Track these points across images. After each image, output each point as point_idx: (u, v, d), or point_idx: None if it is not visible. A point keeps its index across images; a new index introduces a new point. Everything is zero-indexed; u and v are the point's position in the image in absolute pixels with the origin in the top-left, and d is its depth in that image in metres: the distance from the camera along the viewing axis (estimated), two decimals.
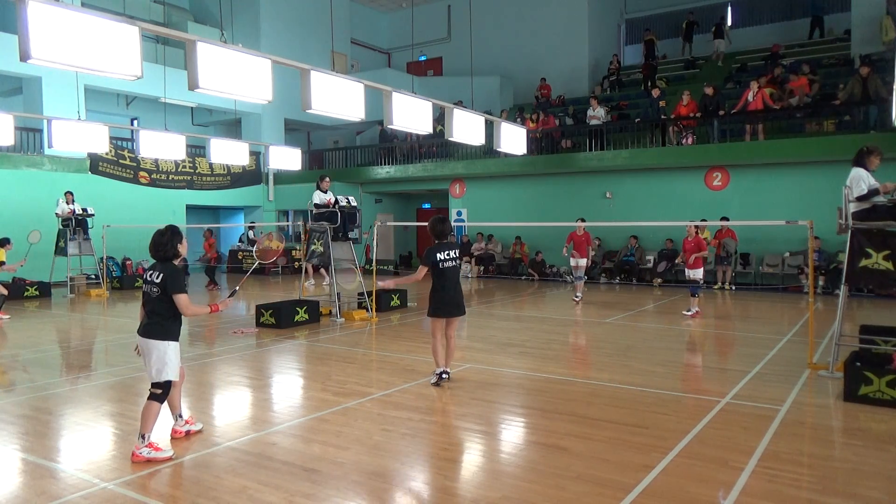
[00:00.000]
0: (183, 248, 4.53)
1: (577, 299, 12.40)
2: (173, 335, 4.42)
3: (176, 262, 4.52)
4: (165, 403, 4.47)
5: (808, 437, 4.89)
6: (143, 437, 4.31)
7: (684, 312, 10.85)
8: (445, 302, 6.13)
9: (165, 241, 4.41)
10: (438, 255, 6.07)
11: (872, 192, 6.21)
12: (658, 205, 16.60)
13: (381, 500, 3.80)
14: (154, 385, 4.36)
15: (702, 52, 22.30)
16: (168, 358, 4.36)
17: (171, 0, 22.23)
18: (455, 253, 6.20)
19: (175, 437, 4.73)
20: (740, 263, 15.36)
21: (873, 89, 13.63)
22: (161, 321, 4.37)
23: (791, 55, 19.49)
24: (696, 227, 11.28)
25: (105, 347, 8.96)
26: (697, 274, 10.97)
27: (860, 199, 6.26)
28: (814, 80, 15.73)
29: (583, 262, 12.70)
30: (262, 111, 22.38)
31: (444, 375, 6.26)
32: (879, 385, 5.48)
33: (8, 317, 11.13)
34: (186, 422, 4.85)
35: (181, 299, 4.32)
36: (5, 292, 11.42)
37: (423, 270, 6.23)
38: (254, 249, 15.80)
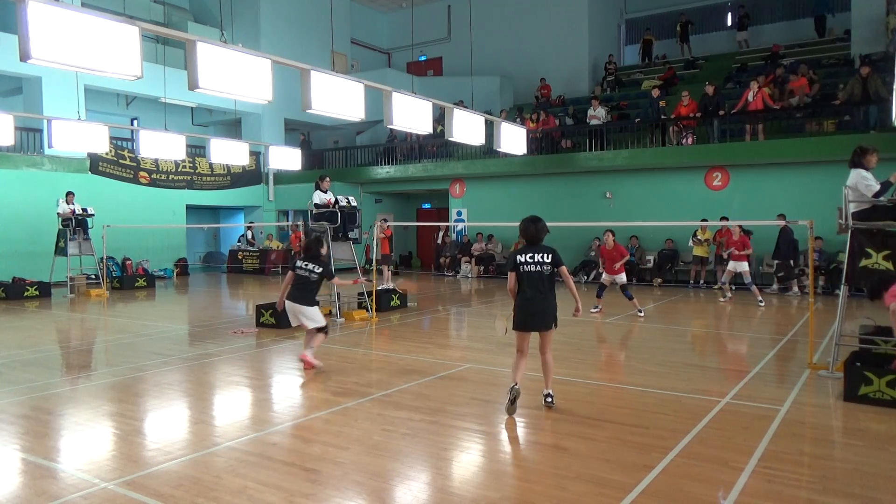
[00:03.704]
0: (324, 250, 7.23)
1: (640, 314, 10.77)
2: (317, 302, 7.12)
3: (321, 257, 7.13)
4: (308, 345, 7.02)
5: (808, 437, 4.89)
6: (310, 348, 7.00)
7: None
8: (526, 312, 5.35)
9: (314, 245, 7.11)
10: (519, 257, 5.34)
11: (886, 186, 6.20)
12: (658, 205, 16.60)
13: (381, 500, 3.80)
14: (318, 329, 7.01)
15: (702, 51, 22.33)
16: (317, 314, 7.00)
17: (171, 0, 22.23)
18: (543, 257, 5.29)
19: (304, 362, 6.93)
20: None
21: (873, 89, 13.63)
22: (313, 295, 7.01)
23: (791, 55, 19.49)
24: (740, 226, 12.33)
25: (105, 347, 8.96)
26: (743, 266, 12.21)
27: (876, 195, 6.24)
28: (814, 80, 15.73)
29: (621, 277, 11.01)
30: (262, 111, 22.38)
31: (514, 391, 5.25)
32: (879, 385, 5.48)
33: None
34: (307, 359, 6.95)
35: (334, 279, 7.29)
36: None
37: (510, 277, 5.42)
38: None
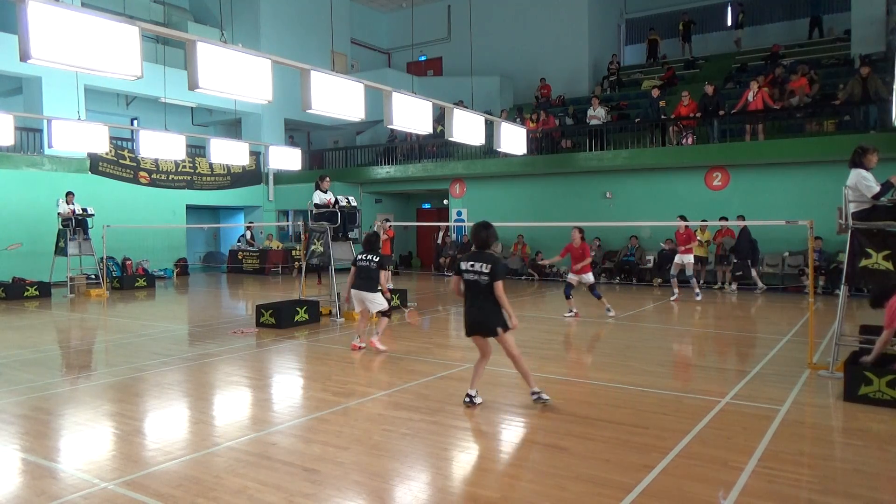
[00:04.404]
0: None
1: (609, 314, 10.68)
2: (379, 289, 7.87)
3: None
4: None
5: (808, 437, 4.89)
6: (378, 333, 7.95)
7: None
8: (467, 319, 5.46)
9: (374, 239, 8.07)
10: (462, 264, 5.40)
11: (886, 186, 6.20)
12: (658, 205, 16.58)
13: (381, 500, 3.80)
14: (381, 313, 7.94)
15: (702, 51, 22.33)
16: (380, 298, 7.87)
17: (171, 0, 22.23)
18: (482, 267, 5.28)
19: (353, 349, 7.88)
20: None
21: (873, 89, 13.63)
22: (375, 283, 7.81)
23: (791, 55, 19.49)
24: (682, 217, 12.77)
25: (105, 347, 8.96)
26: (688, 259, 12.61)
27: (876, 196, 6.23)
28: (814, 80, 15.73)
29: (587, 278, 10.81)
30: (262, 111, 22.37)
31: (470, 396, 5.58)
32: (879, 385, 5.48)
33: None
34: (359, 345, 7.93)
35: (383, 276, 7.98)
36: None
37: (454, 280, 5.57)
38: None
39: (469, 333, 5.50)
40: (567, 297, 10.84)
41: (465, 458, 4.50)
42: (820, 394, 5.94)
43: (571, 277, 10.94)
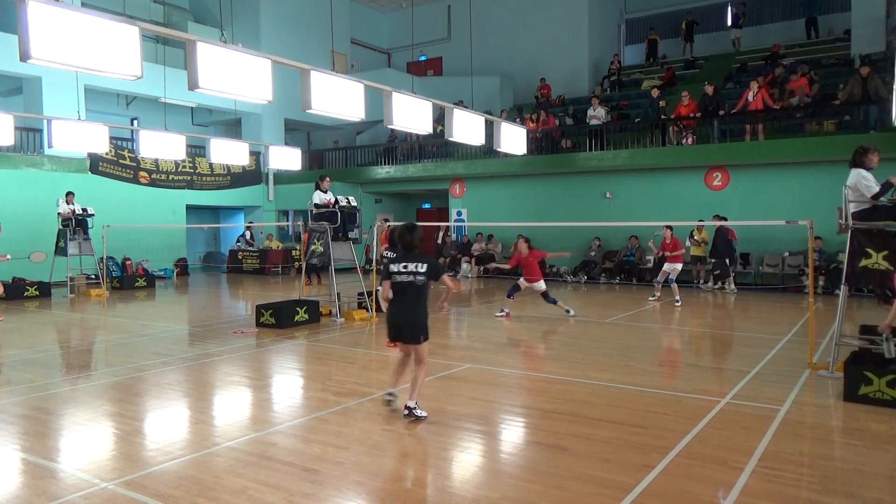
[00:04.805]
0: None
1: (569, 314, 10.72)
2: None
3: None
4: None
5: (808, 437, 4.89)
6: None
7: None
8: (393, 324, 5.23)
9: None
10: (392, 266, 5.17)
11: (886, 187, 6.20)
12: (658, 205, 16.59)
13: (381, 500, 3.80)
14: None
15: (702, 51, 22.32)
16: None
17: (171, 0, 22.23)
18: (417, 267, 5.09)
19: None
20: (740, 263, 15.36)
21: (873, 89, 13.63)
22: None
23: (791, 55, 19.49)
24: (668, 227, 12.50)
25: (105, 347, 8.96)
26: (675, 267, 12.28)
27: (875, 196, 6.23)
28: (814, 80, 15.73)
29: (539, 285, 10.77)
30: (262, 111, 22.37)
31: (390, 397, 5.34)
32: (879, 385, 5.48)
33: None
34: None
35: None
36: (2, 294, 11.42)
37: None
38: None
39: (393, 338, 5.21)
40: (509, 296, 10.95)
41: (464, 458, 4.50)
42: (820, 394, 5.94)
43: (522, 282, 10.96)
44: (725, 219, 14.20)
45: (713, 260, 14.69)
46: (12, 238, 15.96)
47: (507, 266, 11.78)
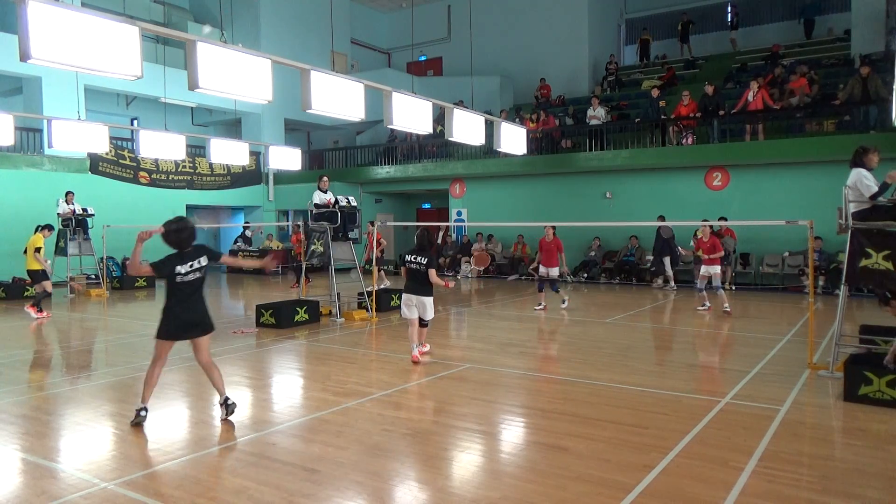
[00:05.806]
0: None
1: (563, 305, 11.68)
2: (433, 294, 7.52)
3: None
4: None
5: (808, 437, 4.89)
6: (422, 344, 7.67)
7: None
8: (179, 323, 5.37)
9: (425, 240, 7.62)
10: (178, 267, 5.21)
11: (884, 187, 6.20)
12: (658, 205, 16.57)
13: (381, 500, 3.80)
14: (424, 325, 7.55)
15: (702, 51, 22.32)
16: (431, 305, 7.44)
17: (171, 0, 22.23)
18: (200, 261, 5.29)
19: (413, 361, 7.29)
20: (740, 263, 15.36)
21: (873, 89, 13.63)
22: (430, 287, 7.38)
23: (791, 55, 19.49)
24: (710, 227, 11.90)
25: (105, 347, 8.95)
26: (714, 269, 11.24)
27: (873, 196, 6.23)
28: (814, 80, 15.72)
29: (554, 271, 11.67)
30: (262, 111, 22.37)
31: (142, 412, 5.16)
32: (879, 385, 5.48)
33: (44, 315, 11.22)
34: (421, 352, 7.53)
35: (432, 273, 7.33)
36: (50, 290, 11.49)
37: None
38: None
39: (178, 338, 5.40)
40: (540, 290, 11.75)
41: (464, 458, 4.50)
42: (820, 394, 5.94)
43: (541, 269, 11.80)
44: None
45: (650, 258, 15.45)
46: (12, 238, 15.97)
47: (534, 263, 12.66)
